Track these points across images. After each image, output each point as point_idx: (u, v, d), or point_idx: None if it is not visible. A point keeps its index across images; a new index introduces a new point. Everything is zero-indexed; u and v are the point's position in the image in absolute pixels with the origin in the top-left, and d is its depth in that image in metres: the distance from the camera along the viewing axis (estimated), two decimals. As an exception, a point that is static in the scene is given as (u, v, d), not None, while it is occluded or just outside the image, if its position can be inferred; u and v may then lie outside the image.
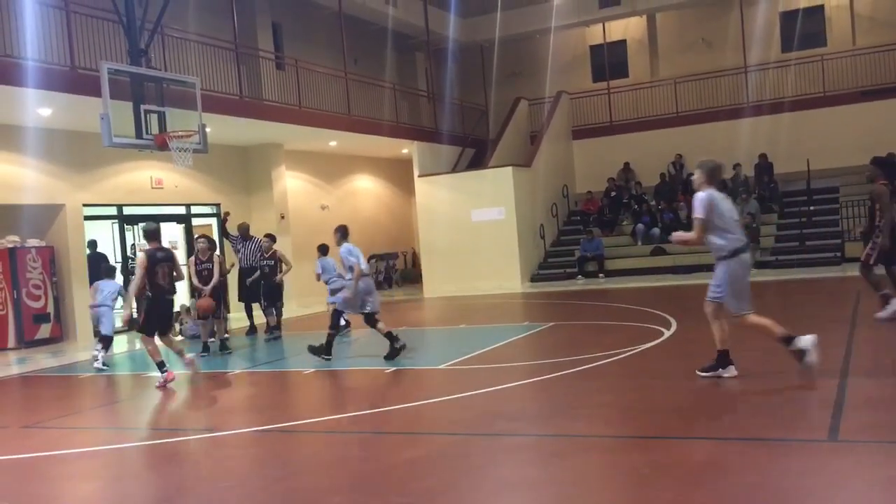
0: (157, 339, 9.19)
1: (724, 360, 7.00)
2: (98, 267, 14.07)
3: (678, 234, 7.29)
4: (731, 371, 6.99)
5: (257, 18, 18.71)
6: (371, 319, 9.85)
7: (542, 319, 13.07)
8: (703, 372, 7.07)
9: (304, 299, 17.96)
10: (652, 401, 6.63)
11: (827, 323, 9.61)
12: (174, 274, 9.14)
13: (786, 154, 20.38)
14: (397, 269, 23.82)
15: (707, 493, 4.36)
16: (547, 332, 11.58)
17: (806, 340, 6.69)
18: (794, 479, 4.45)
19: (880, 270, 9.64)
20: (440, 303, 18.05)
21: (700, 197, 6.75)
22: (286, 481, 5.17)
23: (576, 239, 21.00)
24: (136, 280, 9.06)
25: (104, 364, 10.70)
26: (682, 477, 4.62)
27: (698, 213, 6.70)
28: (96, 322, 11.64)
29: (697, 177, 6.93)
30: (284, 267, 13.15)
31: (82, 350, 13.37)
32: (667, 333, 9.80)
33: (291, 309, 14.27)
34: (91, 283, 14.53)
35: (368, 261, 22.53)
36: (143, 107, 11.47)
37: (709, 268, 20.49)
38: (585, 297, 15.74)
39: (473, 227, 19.88)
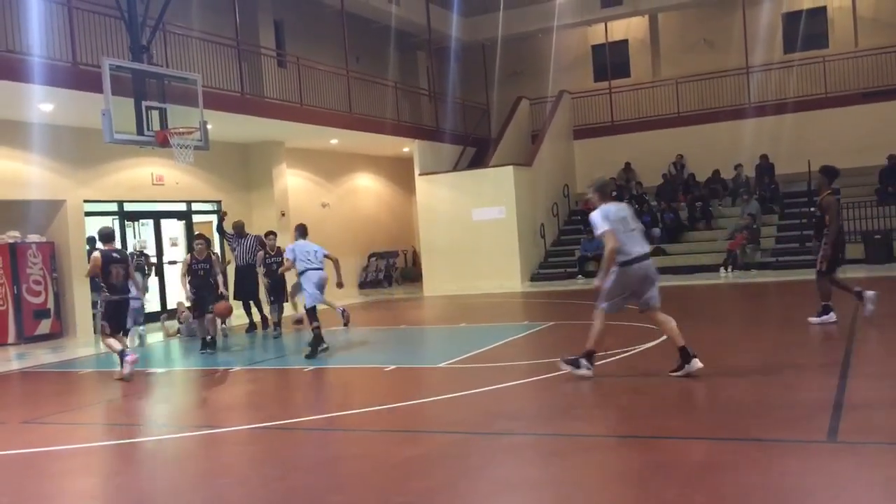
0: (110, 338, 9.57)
1: (686, 355, 7.19)
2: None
3: (597, 282, 7.48)
4: (697, 364, 7.15)
5: (259, 15, 18.71)
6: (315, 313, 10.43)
7: (542, 319, 13.07)
8: (673, 372, 7.21)
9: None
10: (651, 401, 6.63)
11: (826, 324, 9.61)
12: (128, 274, 9.73)
13: (787, 155, 20.37)
14: (397, 268, 23.82)
15: (706, 493, 4.36)
16: (547, 331, 11.58)
17: (587, 372, 7.24)
18: (794, 479, 4.46)
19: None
20: (440, 301, 18.05)
21: (594, 214, 7.22)
22: (285, 479, 5.17)
23: (576, 238, 21.00)
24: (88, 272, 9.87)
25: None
26: (682, 477, 4.63)
27: (602, 226, 7.11)
28: (134, 313, 12.35)
29: (592, 196, 7.45)
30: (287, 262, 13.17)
31: (82, 346, 13.38)
32: (667, 334, 9.78)
33: (290, 306, 14.25)
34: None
35: (368, 259, 22.84)
36: (144, 103, 11.47)
37: (709, 269, 20.45)
38: (585, 297, 15.69)
39: (474, 226, 19.89)
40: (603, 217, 7.12)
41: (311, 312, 10.32)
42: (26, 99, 12.35)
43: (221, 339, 12.50)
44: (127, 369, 9.16)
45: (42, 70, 11.85)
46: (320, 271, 10.49)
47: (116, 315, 9.61)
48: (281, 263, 13.00)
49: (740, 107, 21.49)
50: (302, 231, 10.81)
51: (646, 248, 7.29)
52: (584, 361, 7.37)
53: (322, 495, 4.84)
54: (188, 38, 15.20)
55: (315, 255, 10.49)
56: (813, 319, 9.71)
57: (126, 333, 10.15)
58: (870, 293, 9.66)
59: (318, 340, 10.15)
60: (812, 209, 11.62)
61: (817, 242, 9.76)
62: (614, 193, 7.74)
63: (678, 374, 7.16)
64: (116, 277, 9.46)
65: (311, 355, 9.97)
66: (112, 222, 16.33)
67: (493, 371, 8.38)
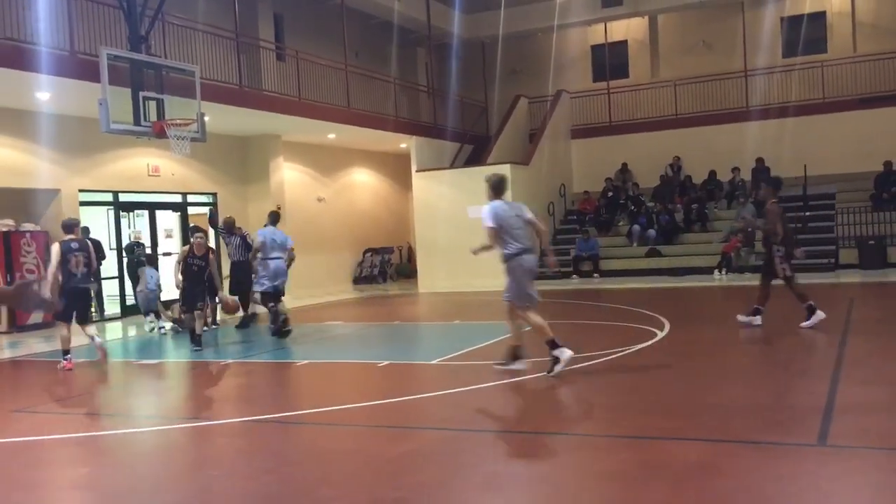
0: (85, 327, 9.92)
1: (514, 354, 7.78)
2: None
3: (477, 248, 8.12)
4: (521, 365, 7.74)
5: (259, 8, 18.67)
6: (276, 297, 11.37)
7: (535, 317, 13.05)
8: (498, 364, 7.83)
9: (297, 291, 17.93)
10: (643, 401, 6.64)
11: (819, 328, 9.64)
12: (89, 264, 9.88)
13: (783, 159, 20.38)
14: (392, 264, 23.79)
15: (696, 494, 4.38)
16: (540, 330, 11.57)
17: (566, 354, 7.48)
18: (783, 482, 4.47)
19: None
20: (434, 298, 18.05)
21: (485, 209, 7.66)
22: (276, 472, 5.17)
23: (571, 238, 21.00)
24: (51, 269, 9.66)
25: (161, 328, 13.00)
26: (672, 478, 4.64)
27: (487, 223, 7.62)
28: (150, 303, 13.27)
29: (487, 191, 7.82)
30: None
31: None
32: (660, 335, 9.81)
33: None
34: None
35: (364, 254, 22.82)
36: (141, 94, 11.44)
37: (704, 271, 20.44)
38: (580, 297, 15.76)
39: (470, 223, 19.77)
40: (491, 214, 7.59)
41: (265, 297, 11.35)
42: (23, 87, 12.31)
43: (213, 329, 12.52)
44: (60, 365, 9.60)
45: (40, 58, 11.79)
46: (278, 261, 11.26)
47: (73, 304, 9.68)
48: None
49: (738, 110, 21.52)
50: (273, 218, 11.70)
51: (530, 244, 7.72)
52: (555, 352, 7.51)
53: (313, 489, 4.84)
54: (187, 29, 15.15)
55: (280, 246, 11.27)
56: (804, 324, 9.75)
57: (87, 322, 10.06)
58: (751, 318, 10.09)
59: (274, 317, 11.10)
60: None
61: (766, 250, 10.19)
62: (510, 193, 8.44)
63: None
64: (75, 266, 9.59)
65: (276, 332, 11.14)
66: (107, 212, 16.32)
67: (486, 368, 8.38)
